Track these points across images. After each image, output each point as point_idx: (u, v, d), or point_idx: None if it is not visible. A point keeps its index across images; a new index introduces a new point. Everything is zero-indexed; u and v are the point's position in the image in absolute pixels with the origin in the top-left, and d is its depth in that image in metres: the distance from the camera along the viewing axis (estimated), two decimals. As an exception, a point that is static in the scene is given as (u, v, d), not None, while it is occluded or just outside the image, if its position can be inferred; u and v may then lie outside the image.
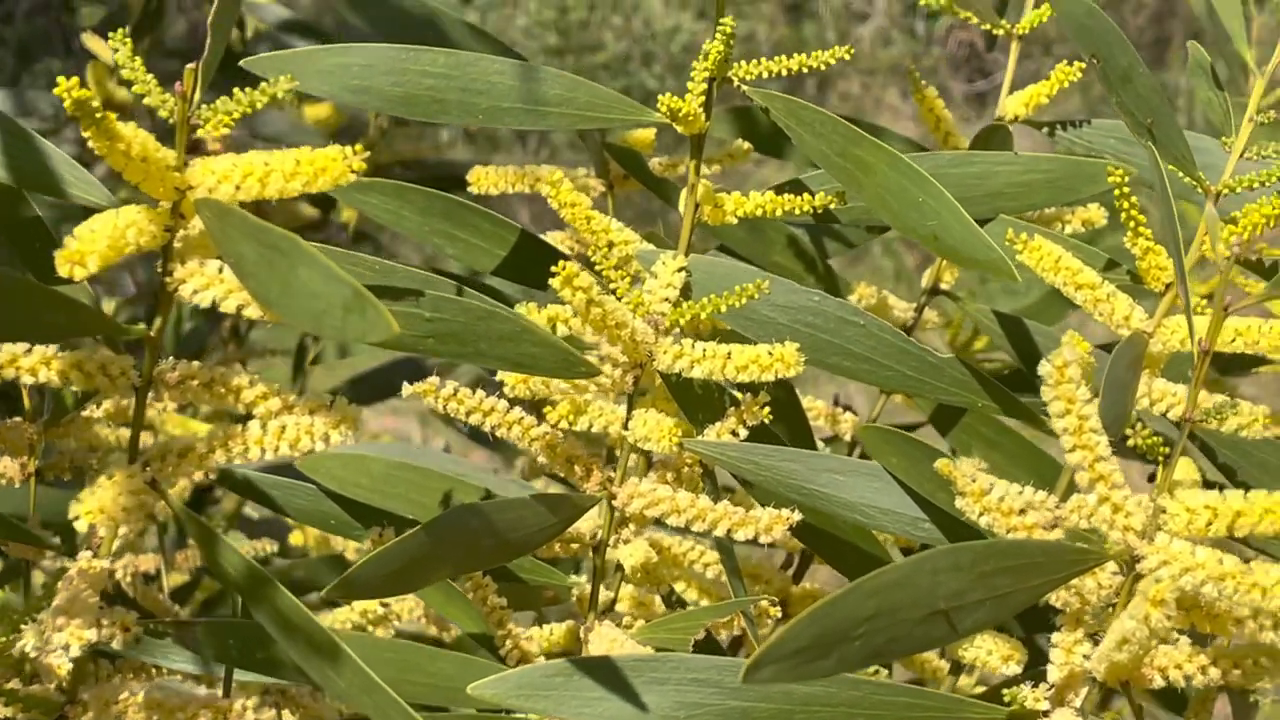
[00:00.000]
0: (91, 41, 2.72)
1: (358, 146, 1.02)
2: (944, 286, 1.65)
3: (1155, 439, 1.03)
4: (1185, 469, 1.16)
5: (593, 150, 1.61)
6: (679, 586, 1.41)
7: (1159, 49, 7.38)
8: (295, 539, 2.35)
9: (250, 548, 2.16)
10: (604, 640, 1.23)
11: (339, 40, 2.80)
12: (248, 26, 2.89)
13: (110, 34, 1.03)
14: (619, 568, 1.35)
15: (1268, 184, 1.22)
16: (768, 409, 1.24)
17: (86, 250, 0.96)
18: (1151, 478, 1.08)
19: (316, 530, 2.31)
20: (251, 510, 2.66)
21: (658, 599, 1.39)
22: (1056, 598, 1.09)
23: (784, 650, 0.90)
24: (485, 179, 1.56)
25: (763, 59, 1.30)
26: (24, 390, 1.40)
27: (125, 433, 1.43)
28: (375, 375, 2.64)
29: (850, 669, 0.93)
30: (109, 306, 2.69)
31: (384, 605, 1.68)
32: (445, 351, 1.10)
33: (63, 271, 0.95)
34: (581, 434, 1.28)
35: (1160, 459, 1.05)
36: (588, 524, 1.29)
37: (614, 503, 1.23)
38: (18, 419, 1.34)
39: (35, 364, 1.05)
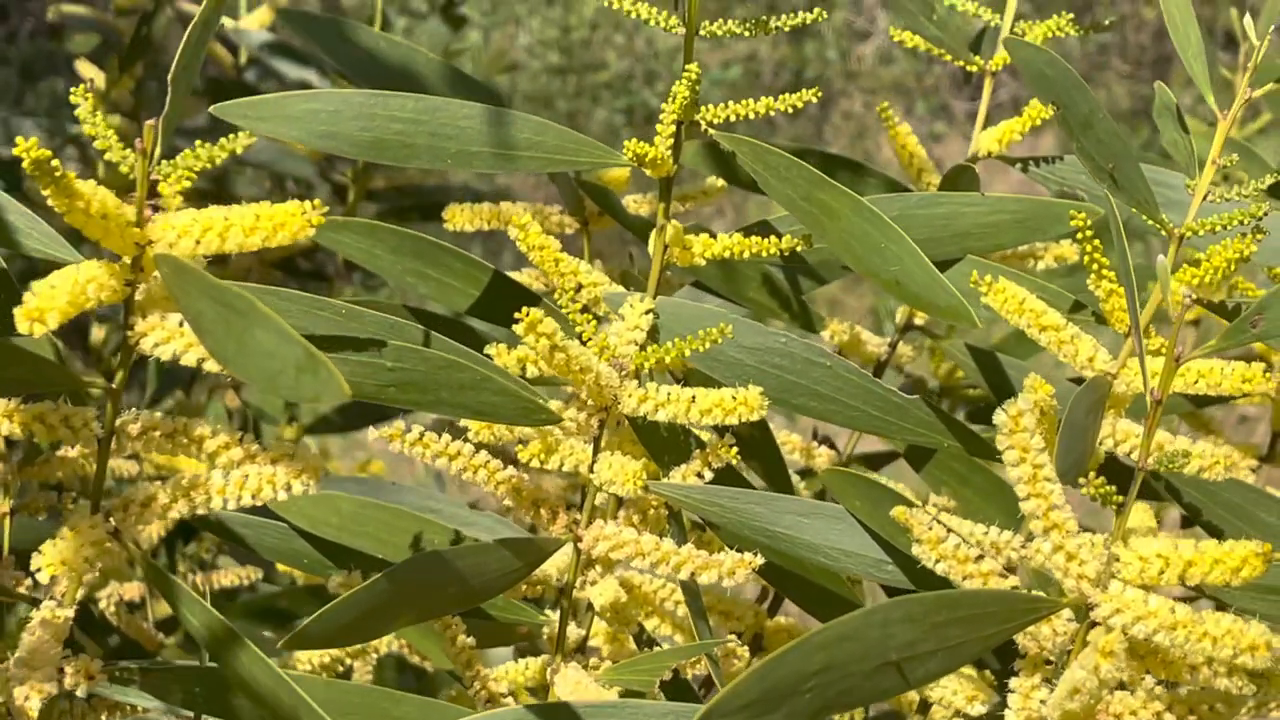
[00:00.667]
0: (84, 68, 2.74)
1: (316, 201, 1.03)
2: (918, 322, 1.66)
3: (1109, 488, 1.04)
4: (1140, 515, 1.17)
5: (564, 189, 1.62)
6: (649, 624, 1.42)
7: (1160, 67, 7.38)
8: (283, 566, 2.35)
9: (235, 576, 2.17)
10: (569, 682, 1.23)
11: (323, 62, 2.81)
12: (241, 53, 2.91)
13: (72, 90, 1.04)
14: (590, 605, 1.36)
15: (1229, 227, 1.23)
16: (735, 449, 1.25)
17: (46, 307, 0.97)
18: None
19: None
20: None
21: (628, 637, 1.39)
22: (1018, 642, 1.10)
23: (733, 705, 0.91)
24: (460, 217, 1.57)
25: (729, 102, 1.31)
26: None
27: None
28: (354, 408, 2.65)
29: (799, 722, 0.94)
30: (99, 333, 2.70)
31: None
32: (407, 400, 1.11)
33: (23, 329, 0.96)
34: (548, 473, 1.29)
35: (1114, 506, 1.06)
36: (554, 565, 1.30)
37: (580, 545, 1.24)
38: (-10, 458, 1.35)
39: (-3, 417, 1.07)
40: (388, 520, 1.35)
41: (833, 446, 1.74)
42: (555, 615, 1.38)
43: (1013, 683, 1.10)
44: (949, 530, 1.08)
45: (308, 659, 1.56)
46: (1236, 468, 1.27)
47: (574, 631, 1.37)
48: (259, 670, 1.03)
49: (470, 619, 1.34)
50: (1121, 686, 1.09)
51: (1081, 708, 1.01)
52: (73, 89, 1.04)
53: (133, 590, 2.02)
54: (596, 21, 7.63)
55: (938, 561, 1.08)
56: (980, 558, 1.07)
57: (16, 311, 0.97)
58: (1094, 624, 1.04)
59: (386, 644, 1.72)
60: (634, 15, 1.31)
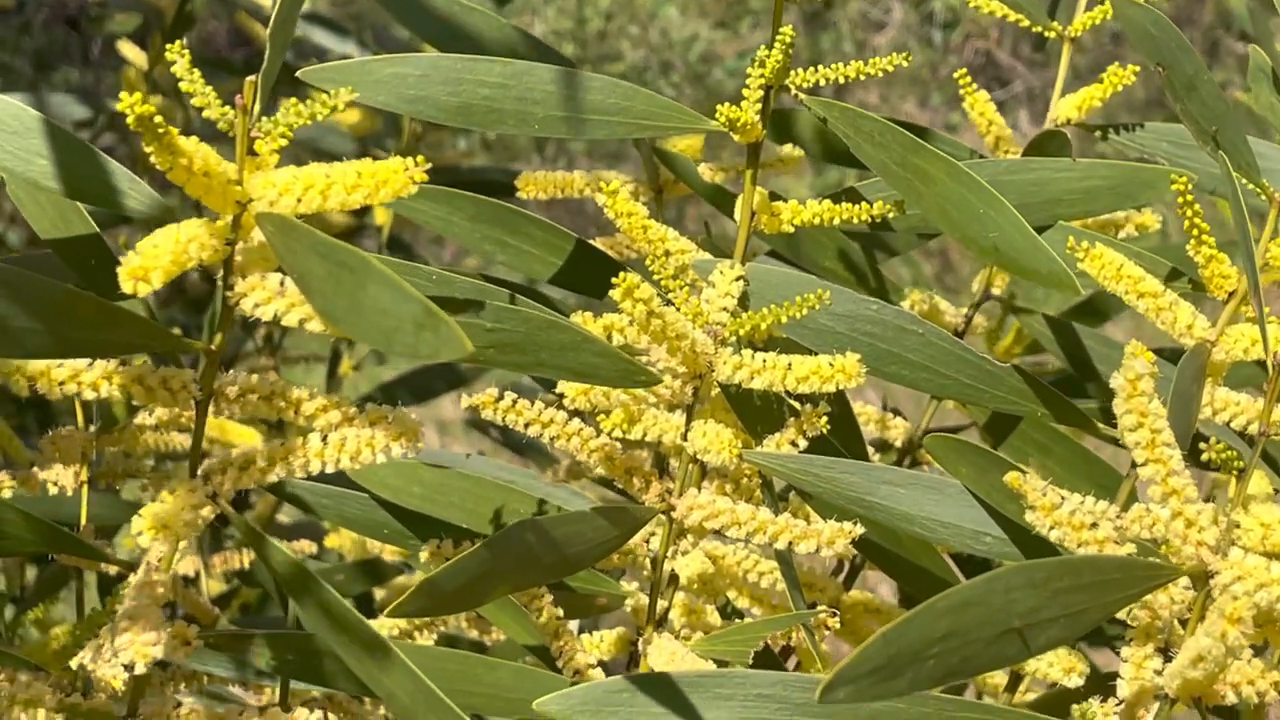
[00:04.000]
0: (126, 48, 2.72)
1: (419, 158, 1.01)
2: (995, 292, 1.64)
3: (1231, 453, 1.02)
4: (1258, 482, 1.15)
5: (644, 156, 1.60)
6: (733, 595, 1.40)
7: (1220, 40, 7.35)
8: (331, 542, 2.34)
9: (289, 549, 2.16)
10: (663, 653, 1.22)
11: (358, 35, 2.80)
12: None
13: (168, 46, 1.02)
14: (673, 578, 1.34)
15: (1332, 191, 1.21)
16: (826, 419, 1.23)
17: (150, 266, 0.95)
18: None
19: (353, 536, 2.31)
20: (284, 515, 2.66)
21: (711, 609, 1.37)
22: (1125, 612, 1.08)
23: (858, 671, 0.89)
24: (534, 185, 1.55)
25: (818, 66, 1.29)
26: (77, 404, 1.40)
27: (173, 437, 1.43)
28: (409, 380, 2.64)
29: (923, 688, 0.92)
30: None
31: (430, 611, 1.67)
32: (506, 362, 1.09)
33: (127, 288, 0.94)
34: (627, 442, 1.27)
35: (1234, 473, 1.04)
36: (643, 535, 1.28)
37: (673, 515, 1.22)
38: (70, 428, 1.34)
39: (97, 379, 1.05)
40: (471, 490, 1.33)
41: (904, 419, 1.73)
42: (635, 587, 1.37)
43: (1124, 652, 1.09)
44: (1062, 497, 1.06)
45: (378, 629, 1.54)
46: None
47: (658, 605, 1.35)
48: (346, 616, 1.01)
49: (549, 590, 1.32)
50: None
51: (1204, 676, 0.99)
52: (168, 45, 1.02)
53: (188, 565, 2.01)
54: (612, 12, 7.60)
55: (1052, 529, 1.06)
56: (1094, 525, 1.05)
57: (120, 270, 0.95)
58: (1212, 592, 1.02)
59: (454, 616, 1.71)
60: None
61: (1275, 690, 1.06)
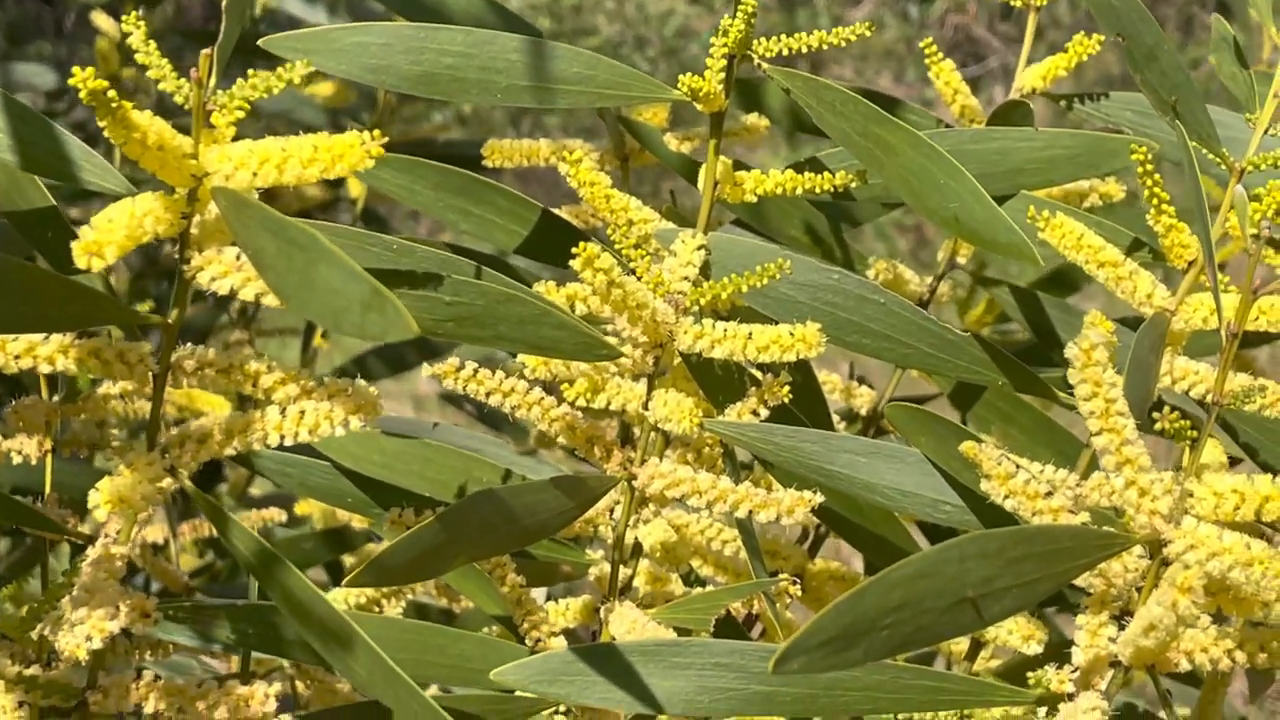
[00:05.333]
0: (100, 19, 2.70)
1: (375, 132, 1.00)
2: (961, 261, 1.64)
3: (1183, 423, 1.02)
4: (1212, 451, 1.15)
5: (609, 124, 1.60)
6: (696, 564, 1.41)
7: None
8: (302, 509, 2.35)
9: (259, 518, 2.16)
10: (625, 621, 1.22)
11: (332, 7, 2.78)
12: (255, 3, 2.87)
13: (123, 14, 1.02)
14: (636, 546, 1.34)
15: (1292, 161, 1.21)
16: (788, 389, 1.24)
17: (104, 240, 0.95)
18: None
19: (323, 504, 2.31)
20: (255, 489, 2.67)
21: (675, 577, 1.38)
22: (1082, 579, 1.09)
23: (812, 641, 0.90)
24: (500, 153, 1.54)
25: (781, 35, 1.29)
26: (41, 375, 1.39)
27: (138, 406, 1.43)
28: (383, 352, 2.63)
29: (878, 658, 0.93)
30: (119, 283, 2.68)
31: (396, 580, 1.67)
32: (465, 335, 1.09)
33: (80, 263, 0.94)
34: (592, 411, 1.27)
35: (1187, 442, 1.04)
36: (606, 503, 1.29)
37: (634, 483, 1.22)
38: (34, 397, 1.33)
39: (53, 353, 1.05)
40: (433, 458, 1.34)
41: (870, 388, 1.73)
42: (599, 556, 1.37)
43: (1079, 620, 1.09)
44: (1018, 466, 1.07)
45: (343, 599, 1.55)
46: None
47: (620, 573, 1.35)
48: (309, 597, 1.02)
49: (512, 559, 1.32)
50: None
51: (1156, 644, 1.00)
52: (124, 14, 1.02)
53: (155, 533, 2.01)
54: (587, -14, 7.59)
55: (1007, 497, 1.06)
56: (1050, 494, 1.06)
57: (74, 246, 0.95)
58: (1166, 561, 1.03)
59: (421, 584, 1.71)
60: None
61: (1228, 658, 1.07)
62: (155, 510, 2.11)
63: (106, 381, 1.36)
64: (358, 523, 2.08)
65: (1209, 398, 1.19)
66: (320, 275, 0.89)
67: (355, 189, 2.77)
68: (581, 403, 1.25)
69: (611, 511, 1.29)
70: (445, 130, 4.33)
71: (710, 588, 1.37)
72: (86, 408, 1.36)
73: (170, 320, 1.05)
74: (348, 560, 2.13)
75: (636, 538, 1.29)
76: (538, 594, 1.66)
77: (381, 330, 0.87)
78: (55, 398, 1.36)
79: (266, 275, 0.95)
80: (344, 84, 2.85)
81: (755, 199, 1.32)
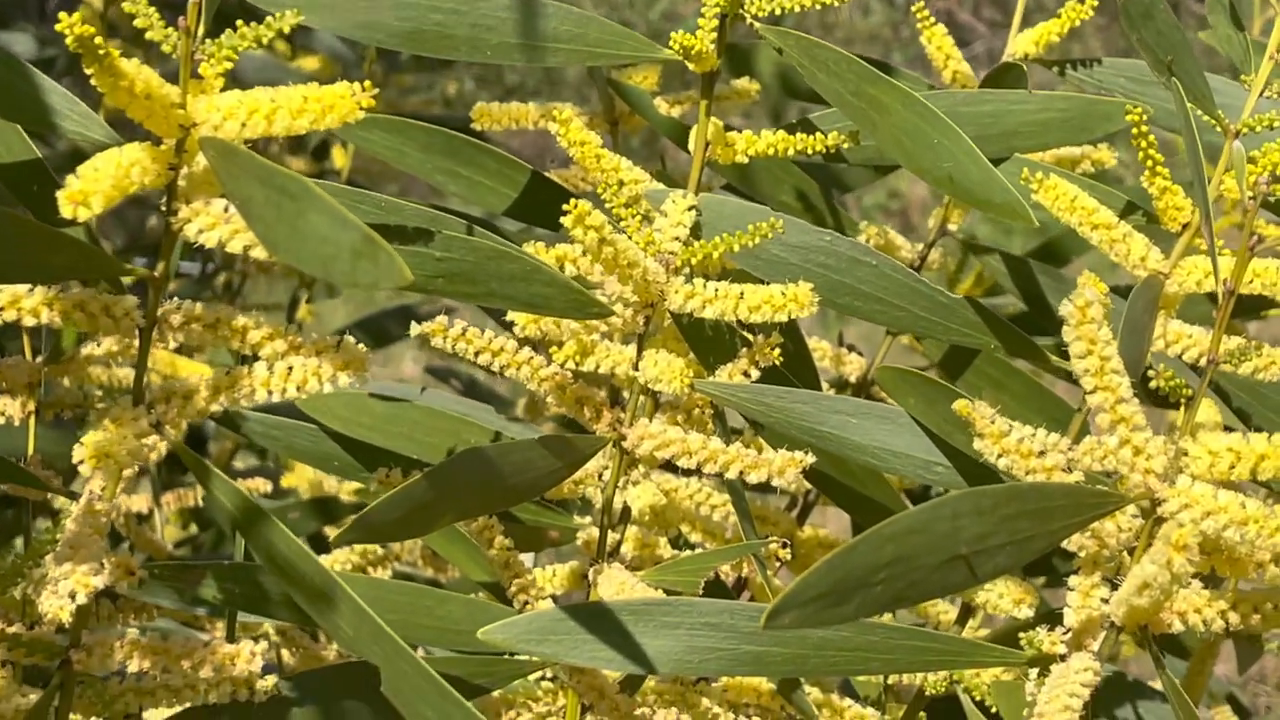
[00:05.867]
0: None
1: (367, 83, 0.99)
2: (952, 228, 1.63)
3: (1178, 381, 1.02)
4: (1207, 411, 1.15)
5: (599, 87, 1.58)
6: (685, 529, 1.40)
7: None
8: (288, 481, 2.34)
9: (245, 488, 2.14)
10: (613, 583, 1.21)
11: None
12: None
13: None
14: (624, 511, 1.33)
15: (1288, 123, 1.20)
16: (780, 355, 1.23)
17: (90, 190, 0.94)
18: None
19: (309, 475, 2.31)
20: (238, 462, 2.65)
21: (663, 542, 1.37)
22: (1072, 542, 1.08)
23: (804, 596, 0.89)
24: (488, 116, 1.53)
25: None
26: (23, 329, 1.38)
27: (123, 372, 1.42)
28: (366, 324, 2.62)
29: (870, 614, 0.92)
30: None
31: (383, 546, 1.67)
32: (454, 292, 1.08)
33: (66, 212, 0.93)
34: (582, 376, 1.26)
35: (1182, 401, 1.04)
36: (595, 465, 1.28)
37: (624, 444, 1.21)
38: (18, 356, 1.32)
39: (37, 305, 1.03)
40: (422, 421, 1.33)
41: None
42: (588, 520, 1.36)
43: (1072, 581, 1.09)
44: (1010, 425, 1.06)
45: (330, 565, 1.54)
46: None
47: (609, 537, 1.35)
48: (297, 555, 1.01)
49: (500, 524, 1.31)
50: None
51: (1149, 603, 0.99)
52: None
53: (140, 502, 2.00)
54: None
55: (1000, 456, 1.06)
56: (1043, 453, 1.05)
57: (60, 195, 0.93)
58: (1160, 520, 1.02)
59: (408, 550, 1.70)
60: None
61: (1221, 619, 1.06)
62: (139, 481, 2.10)
63: (91, 343, 1.35)
64: (346, 496, 2.08)
65: (1202, 361, 1.19)
66: (310, 223, 0.88)
67: (340, 160, 2.76)
68: (571, 366, 1.24)
69: (601, 475, 1.28)
70: (430, 105, 4.32)
71: (698, 550, 1.36)
72: (71, 369, 1.36)
73: (157, 273, 1.04)
74: (333, 533, 2.12)
75: (625, 502, 1.28)
76: (525, 559, 1.66)
77: (373, 278, 0.86)
78: (39, 358, 1.35)
79: (255, 225, 0.93)
80: (330, 59, 2.84)
81: (746, 160, 1.31)
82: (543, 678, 1.32)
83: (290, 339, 1.06)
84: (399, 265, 0.85)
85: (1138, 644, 1.07)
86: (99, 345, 1.35)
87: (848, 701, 1.31)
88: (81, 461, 1.01)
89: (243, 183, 0.93)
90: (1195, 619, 1.06)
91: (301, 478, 2.33)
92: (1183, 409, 1.05)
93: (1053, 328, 1.58)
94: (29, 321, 1.03)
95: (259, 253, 1.01)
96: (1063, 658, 1.07)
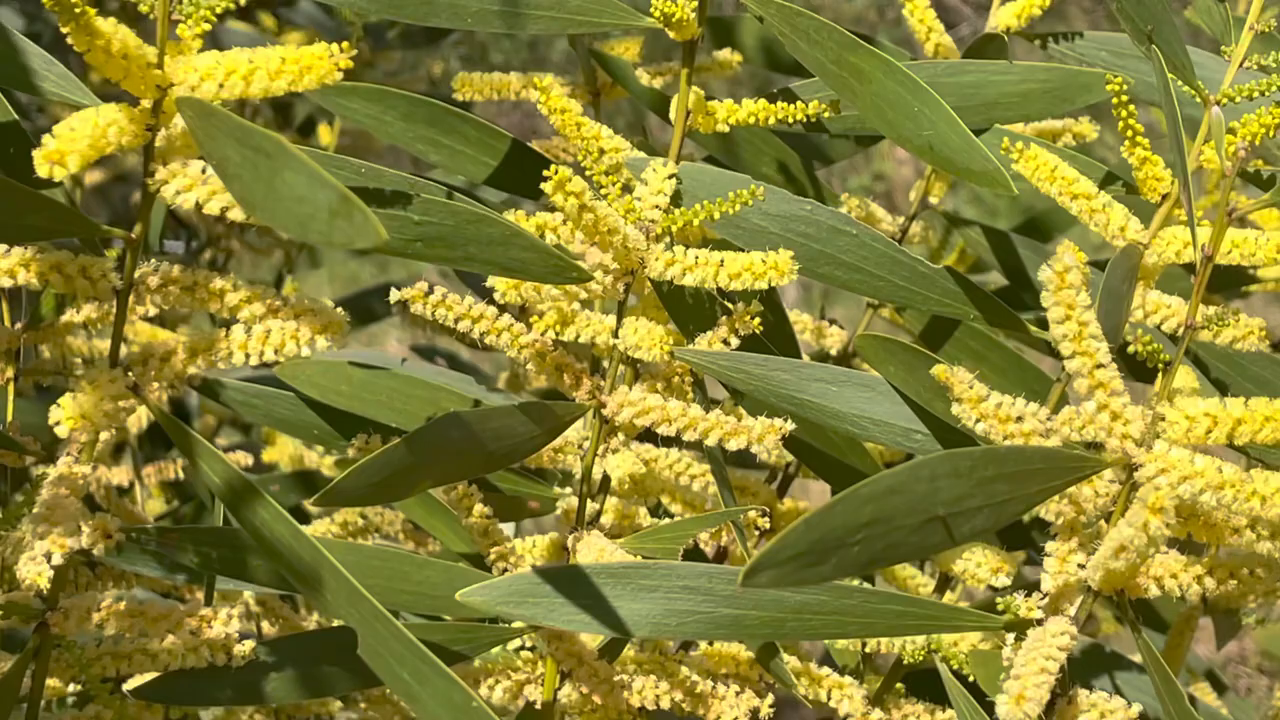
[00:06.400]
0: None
1: (344, 44, 0.99)
2: (933, 201, 1.63)
3: (1156, 345, 1.02)
4: (1184, 378, 1.15)
5: (580, 57, 1.58)
6: (665, 499, 1.40)
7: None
8: (268, 456, 2.33)
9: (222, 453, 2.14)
10: (593, 550, 1.21)
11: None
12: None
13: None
14: (604, 481, 1.33)
15: (1267, 94, 1.20)
16: (758, 320, 1.23)
17: (67, 149, 0.93)
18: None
19: (290, 450, 2.30)
20: (220, 439, 2.65)
21: (643, 511, 1.37)
22: (1048, 510, 1.08)
23: (781, 555, 0.89)
24: (470, 85, 1.53)
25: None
26: (2, 300, 1.38)
27: (102, 343, 1.41)
28: (351, 303, 2.61)
29: (847, 575, 0.92)
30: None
31: (363, 517, 1.67)
32: (433, 256, 1.08)
33: (42, 172, 0.92)
34: (563, 345, 1.26)
35: (1160, 366, 1.04)
36: (575, 434, 1.28)
37: (603, 412, 1.21)
38: (-3, 321, 1.32)
39: (14, 266, 1.03)
40: (401, 389, 1.33)
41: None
42: (568, 491, 1.36)
43: (1049, 546, 1.09)
44: (989, 391, 1.06)
45: (313, 534, 1.53)
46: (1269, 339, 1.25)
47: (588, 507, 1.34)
48: (280, 527, 1.01)
49: (479, 492, 1.31)
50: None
51: (1126, 566, 0.99)
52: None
53: (121, 475, 1.99)
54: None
55: (978, 421, 1.06)
56: (1020, 419, 1.05)
57: (36, 154, 0.93)
58: (1137, 486, 1.02)
59: (389, 522, 1.70)
60: None
61: (1197, 584, 1.07)
62: (121, 454, 2.10)
63: (70, 309, 1.35)
64: (327, 470, 2.08)
65: (1180, 331, 1.19)
66: (286, 182, 0.87)
67: (325, 137, 2.75)
68: (550, 336, 1.24)
69: (581, 445, 1.28)
70: (417, 84, 4.31)
71: (677, 518, 1.36)
72: (49, 336, 1.35)
73: (134, 235, 1.04)
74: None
75: (605, 471, 1.28)
76: (506, 530, 1.66)
77: (349, 237, 0.86)
78: (18, 325, 1.35)
79: (232, 185, 0.93)
80: (311, 32, 2.84)
81: (727, 129, 1.30)
82: (521, 647, 1.32)
83: (269, 302, 1.06)
84: (375, 224, 0.84)
85: (1115, 613, 1.07)
86: (78, 312, 1.34)
87: (826, 670, 1.31)
88: (58, 423, 1.00)
89: (219, 142, 0.93)
90: (1171, 584, 1.07)
91: (282, 453, 2.33)
92: (1160, 376, 1.05)
93: (1035, 302, 1.59)
94: (5, 282, 1.03)
95: (236, 214, 1.01)
96: (1039, 622, 1.07)
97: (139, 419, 2.11)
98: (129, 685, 1.15)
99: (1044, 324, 1.09)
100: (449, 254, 1.08)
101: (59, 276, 1.04)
